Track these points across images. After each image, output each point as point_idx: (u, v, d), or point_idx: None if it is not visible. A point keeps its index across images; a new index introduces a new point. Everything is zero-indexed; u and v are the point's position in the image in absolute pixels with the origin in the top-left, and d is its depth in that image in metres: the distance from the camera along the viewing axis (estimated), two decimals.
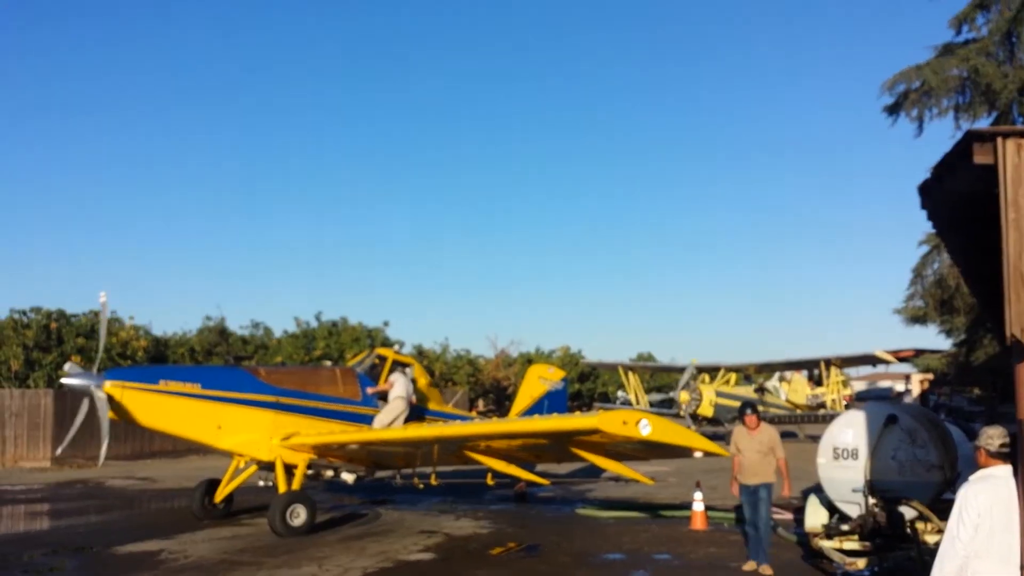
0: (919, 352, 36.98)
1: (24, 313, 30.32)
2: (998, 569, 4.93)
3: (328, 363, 25.88)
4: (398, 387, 15.61)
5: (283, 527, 12.82)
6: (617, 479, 20.30)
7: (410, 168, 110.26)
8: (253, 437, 13.85)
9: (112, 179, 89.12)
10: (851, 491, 9.36)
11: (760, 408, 36.39)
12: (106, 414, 12.47)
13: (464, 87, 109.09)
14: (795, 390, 40.66)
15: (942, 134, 33.92)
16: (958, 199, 5.34)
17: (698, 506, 13.49)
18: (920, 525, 8.98)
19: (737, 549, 11.31)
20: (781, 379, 40.26)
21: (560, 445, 11.24)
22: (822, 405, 38.10)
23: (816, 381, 40.29)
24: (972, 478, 5.21)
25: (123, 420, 13.06)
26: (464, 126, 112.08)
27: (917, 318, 36.84)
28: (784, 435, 15.03)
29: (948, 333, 39.20)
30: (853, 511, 9.44)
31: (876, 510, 9.04)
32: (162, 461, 29.16)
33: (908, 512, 9.03)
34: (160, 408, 13.12)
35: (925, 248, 30.34)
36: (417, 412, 15.69)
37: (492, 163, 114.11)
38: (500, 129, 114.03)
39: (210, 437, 13.66)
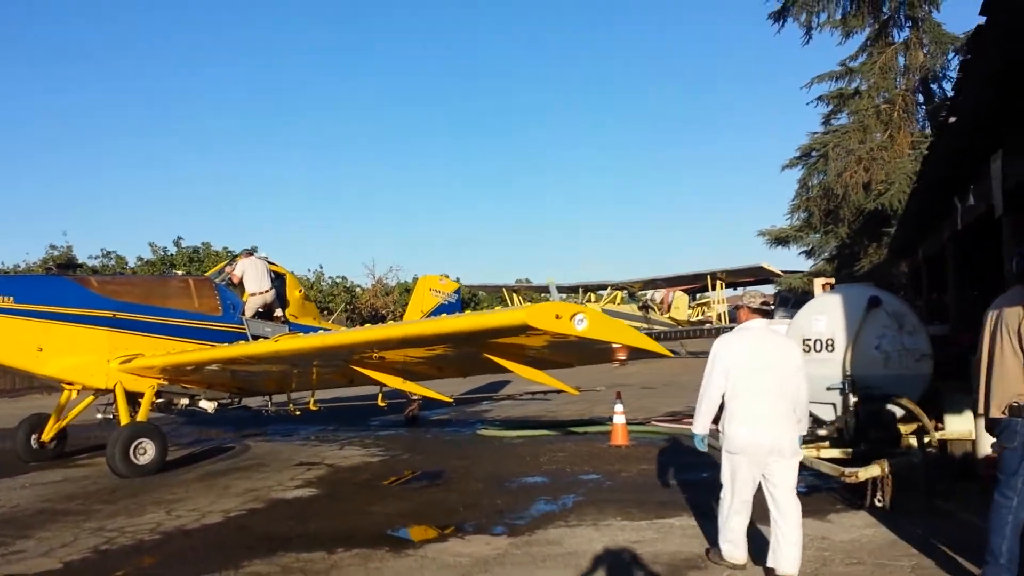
0: (789, 272, 37.16)
1: None
2: (751, 404, 5.56)
3: (180, 272, 22.88)
4: (251, 282, 13.23)
5: (125, 466, 10.43)
6: (511, 397, 18.76)
7: (278, 85, 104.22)
8: (84, 360, 11.26)
9: None
10: (825, 390, 7.86)
11: (644, 326, 36.13)
12: None
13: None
14: (676, 307, 40.24)
15: (830, 41, 33.29)
16: None
17: (619, 419, 11.93)
18: (908, 427, 7.56)
19: (666, 467, 9.85)
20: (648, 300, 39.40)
21: (472, 351, 9.28)
22: (705, 321, 37.85)
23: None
24: (734, 331, 5.91)
25: None
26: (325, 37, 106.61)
27: (780, 240, 36.92)
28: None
29: (809, 254, 39.57)
30: (827, 413, 7.96)
31: (858, 410, 7.58)
32: None
33: (896, 411, 7.60)
34: None
35: (795, 170, 29.98)
36: (292, 328, 13.41)
37: (365, 86, 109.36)
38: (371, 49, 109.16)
39: (29, 361, 10.97)
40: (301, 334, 11.30)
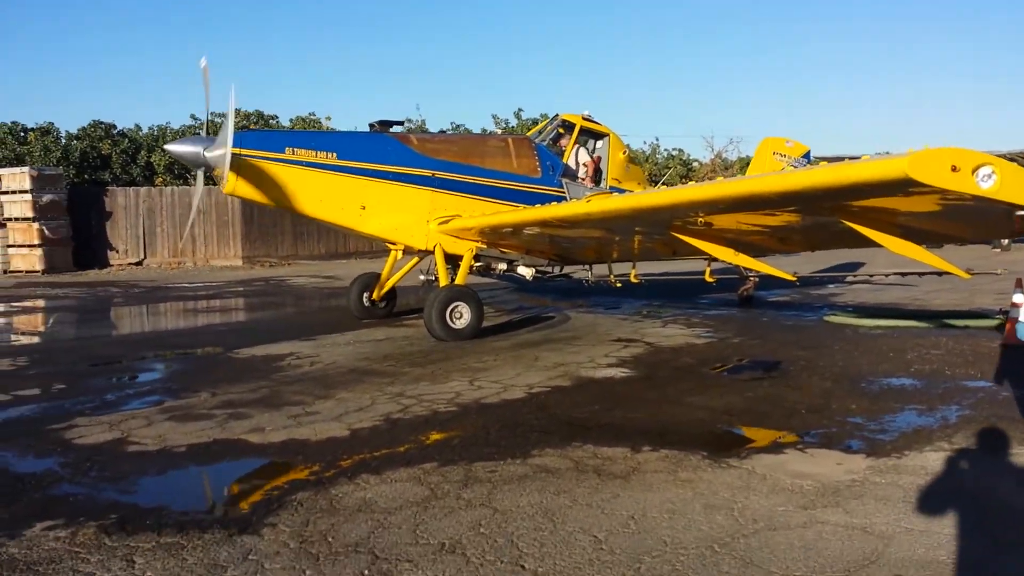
0: None
1: (221, 115, 29.35)
2: None
3: (498, 131, 22.67)
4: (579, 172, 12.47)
5: (441, 328, 10.16)
6: (867, 280, 16.13)
7: None
8: (405, 220, 11.07)
9: None
10: None
11: None
12: (201, 185, 10.22)
13: None
14: None
15: None
16: None
17: (1020, 312, 9.32)
18: None
19: None
20: None
21: (826, 219, 7.39)
22: None
23: None
24: None
25: (241, 198, 10.61)
26: None
27: None
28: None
29: None
30: None
31: None
32: (356, 261, 27.94)
33: None
34: (287, 183, 10.48)
35: None
36: (612, 191, 12.25)
37: None
38: None
39: (352, 219, 10.99)
40: (616, 195, 10.05)
